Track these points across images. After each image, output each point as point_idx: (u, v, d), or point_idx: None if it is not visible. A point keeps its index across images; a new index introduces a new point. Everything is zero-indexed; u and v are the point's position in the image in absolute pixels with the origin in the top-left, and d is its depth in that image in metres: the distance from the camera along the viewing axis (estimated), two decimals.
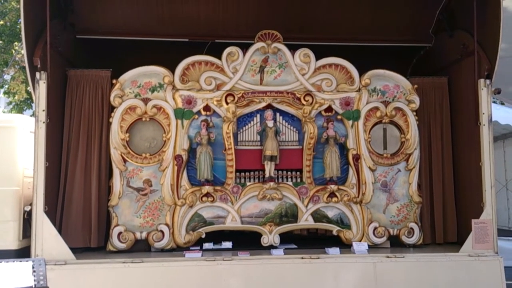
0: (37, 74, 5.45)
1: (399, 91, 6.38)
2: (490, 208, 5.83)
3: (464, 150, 6.37)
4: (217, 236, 6.04)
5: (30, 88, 5.67)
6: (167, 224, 5.88)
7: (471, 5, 6.04)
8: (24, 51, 5.42)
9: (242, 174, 6.10)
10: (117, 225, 5.82)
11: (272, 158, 6.01)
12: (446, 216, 6.40)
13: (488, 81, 5.99)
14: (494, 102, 9.32)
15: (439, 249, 6.06)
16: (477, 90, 6.02)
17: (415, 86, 6.38)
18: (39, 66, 5.43)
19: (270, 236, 5.98)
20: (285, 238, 6.12)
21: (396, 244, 6.20)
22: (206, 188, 5.93)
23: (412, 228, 6.19)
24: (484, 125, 5.94)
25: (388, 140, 6.39)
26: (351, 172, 6.19)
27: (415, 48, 7.44)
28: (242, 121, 6.18)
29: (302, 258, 5.52)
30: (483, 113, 5.95)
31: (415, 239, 6.18)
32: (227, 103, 6.06)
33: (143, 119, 6.00)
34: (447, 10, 6.90)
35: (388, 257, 5.62)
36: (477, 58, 6.03)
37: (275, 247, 5.90)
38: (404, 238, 6.17)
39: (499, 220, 6.21)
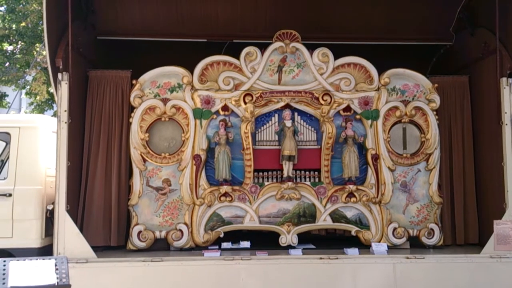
0: (59, 75, 5.56)
1: (419, 90, 6.31)
2: None
3: (485, 150, 6.29)
4: (235, 236, 6.06)
5: (51, 89, 5.77)
6: (186, 224, 5.92)
7: (493, 3, 5.95)
8: (46, 53, 5.53)
9: (260, 174, 6.12)
10: (137, 224, 5.88)
11: (290, 158, 6.01)
12: (467, 217, 6.32)
13: (510, 80, 5.92)
14: None
15: (460, 250, 5.99)
16: (499, 89, 5.94)
17: (436, 85, 6.31)
18: (61, 67, 5.53)
19: (288, 236, 5.98)
20: (303, 238, 6.11)
21: (416, 245, 6.14)
22: (225, 188, 5.96)
23: (432, 229, 6.12)
24: (506, 124, 5.86)
25: (408, 140, 6.34)
26: (370, 172, 6.15)
27: (435, 46, 7.36)
28: (260, 120, 6.19)
29: (321, 258, 5.50)
30: (506, 112, 5.88)
31: (435, 240, 6.11)
32: (245, 103, 6.08)
33: (163, 119, 6.06)
34: (468, 8, 6.81)
35: (407, 258, 5.57)
36: (499, 56, 5.95)
37: (293, 247, 5.89)
38: (424, 239, 6.11)
39: None
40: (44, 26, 5.44)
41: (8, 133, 5.92)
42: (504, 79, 5.92)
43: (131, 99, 6.01)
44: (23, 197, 5.77)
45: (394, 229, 6.08)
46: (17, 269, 3.50)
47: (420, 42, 7.14)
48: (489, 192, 6.19)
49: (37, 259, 3.64)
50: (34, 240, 5.73)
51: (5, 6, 12.23)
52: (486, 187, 6.27)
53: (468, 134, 6.46)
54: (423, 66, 7.11)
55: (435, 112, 6.27)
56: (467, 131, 6.46)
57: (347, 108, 6.21)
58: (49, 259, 3.65)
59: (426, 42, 7.19)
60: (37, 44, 11.78)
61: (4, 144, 5.93)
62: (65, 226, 5.39)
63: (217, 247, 5.85)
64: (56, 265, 3.59)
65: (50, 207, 5.73)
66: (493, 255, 5.63)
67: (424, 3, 6.79)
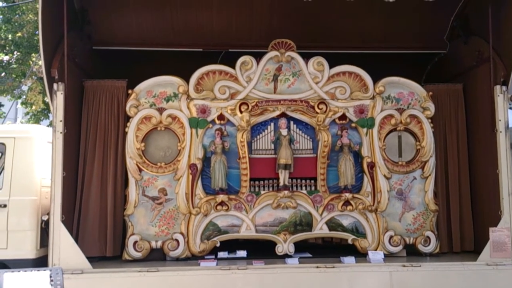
0: (55, 85, 5.55)
1: (413, 98, 6.35)
2: (508, 216, 5.76)
3: (480, 157, 6.31)
4: (231, 245, 6.05)
5: (47, 99, 5.77)
6: (182, 233, 5.90)
7: (486, 11, 6.02)
8: (42, 63, 5.53)
9: (257, 182, 6.11)
10: (132, 234, 5.86)
11: (286, 167, 6.01)
12: (463, 224, 6.33)
13: (504, 88, 5.95)
14: (510, 108, 9.20)
15: (456, 258, 6.00)
16: (493, 96, 5.98)
17: (430, 93, 6.36)
18: (56, 77, 5.54)
19: (284, 245, 5.96)
20: (300, 247, 6.10)
21: (412, 253, 6.14)
22: (221, 197, 5.95)
23: (428, 237, 6.13)
24: (500, 132, 5.89)
25: (403, 148, 6.36)
26: (366, 180, 6.16)
27: (429, 55, 7.41)
28: (256, 129, 6.21)
29: (317, 267, 5.49)
30: (500, 120, 5.91)
31: (431, 247, 6.12)
32: (241, 112, 6.09)
33: (158, 128, 6.06)
34: (462, 16, 6.86)
35: (404, 266, 5.57)
36: (493, 64, 6.00)
37: (290, 256, 5.88)
38: (421, 247, 6.11)
39: None
40: (40, 36, 5.44)
41: (3, 144, 5.92)
42: (497, 87, 5.96)
43: (127, 108, 6.02)
44: (18, 208, 5.75)
45: (391, 237, 6.08)
46: (12, 280, 3.48)
47: (414, 50, 7.18)
48: (484, 200, 6.20)
49: (32, 270, 3.63)
50: (29, 251, 5.71)
51: (1, 16, 12.25)
52: (481, 194, 6.29)
53: (463, 142, 6.49)
54: (418, 74, 7.15)
55: (430, 120, 6.30)
56: (462, 138, 6.49)
57: (343, 117, 6.23)
58: (44, 270, 3.63)
59: (420, 50, 7.24)
60: (33, 54, 11.79)
61: None
62: (60, 237, 5.36)
63: (213, 256, 5.83)
64: (51, 276, 3.58)
65: (45, 217, 5.72)
66: (489, 263, 5.64)
67: (418, 12, 6.80)
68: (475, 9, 6.56)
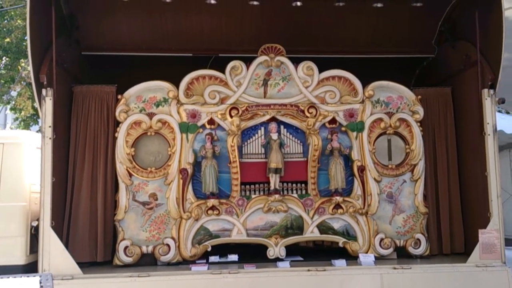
0: (43, 91, 5.52)
1: (402, 102, 6.40)
2: (497, 218, 5.81)
3: (469, 160, 6.36)
4: (223, 249, 6.04)
5: (36, 104, 5.73)
6: (173, 238, 5.88)
7: (473, 15, 6.09)
8: (30, 68, 5.50)
9: (247, 186, 6.12)
10: (123, 239, 5.83)
11: (277, 171, 6.02)
12: (453, 226, 6.37)
13: (492, 91, 6.01)
14: (499, 111, 9.30)
15: (446, 260, 6.03)
16: (481, 100, 6.04)
17: (419, 97, 6.41)
18: (45, 83, 5.50)
19: (276, 249, 5.97)
20: (291, 250, 6.10)
21: (403, 255, 6.16)
22: (212, 201, 5.95)
23: (418, 239, 6.16)
24: (489, 135, 5.94)
25: (393, 151, 6.40)
26: (356, 183, 6.19)
27: (418, 59, 7.48)
28: (246, 134, 6.21)
29: (309, 270, 5.50)
30: (488, 123, 5.96)
31: (421, 250, 6.15)
32: (231, 117, 6.10)
33: (148, 133, 6.05)
34: (449, 21, 6.94)
35: (395, 268, 5.59)
36: (480, 68, 6.06)
37: (281, 260, 5.89)
38: (411, 249, 6.14)
39: (506, 229, 6.17)
40: (28, 42, 5.41)
41: None
42: (485, 91, 6.02)
43: (117, 114, 6.00)
44: (7, 214, 5.69)
45: (381, 239, 6.11)
46: (1, 286, 3.46)
47: (403, 55, 7.23)
48: (473, 202, 6.25)
49: (21, 277, 3.61)
50: (19, 257, 5.64)
51: None
52: (470, 196, 6.34)
53: (452, 145, 6.54)
54: (407, 78, 7.20)
55: (419, 124, 6.34)
56: (451, 141, 6.54)
57: (333, 121, 6.25)
58: (34, 276, 3.61)
59: (408, 55, 7.29)
60: (22, 60, 11.74)
61: None
62: (50, 243, 5.32)
63: (204, 261, 5.82)
64: (41, 282, 3.56)
65: (34, 223, 5.67)
66: (478, 264, 5.68)
67: (406, 17, 6.89)
68: (463, 14, 6.64)
